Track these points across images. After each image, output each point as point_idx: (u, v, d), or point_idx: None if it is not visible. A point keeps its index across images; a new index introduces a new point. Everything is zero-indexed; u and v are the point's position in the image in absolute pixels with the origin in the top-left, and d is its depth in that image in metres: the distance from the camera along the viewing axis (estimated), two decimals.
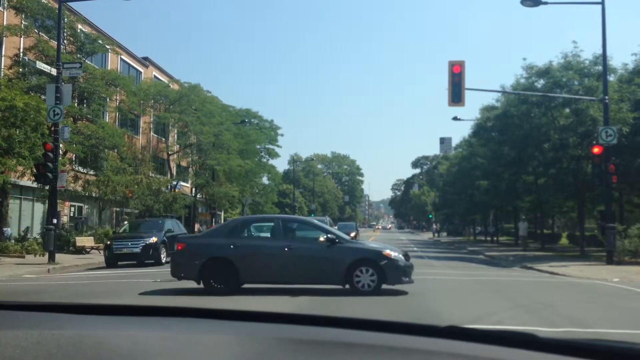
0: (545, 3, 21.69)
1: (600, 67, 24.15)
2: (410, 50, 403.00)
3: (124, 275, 17.63)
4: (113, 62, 40.03)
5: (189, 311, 1.89)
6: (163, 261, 21.78)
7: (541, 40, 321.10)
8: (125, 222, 29.62)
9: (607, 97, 22.03)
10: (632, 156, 26.97)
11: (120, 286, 14.56)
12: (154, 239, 21.87)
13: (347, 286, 12.01)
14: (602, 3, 21.72)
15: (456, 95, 21.21)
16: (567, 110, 27.53)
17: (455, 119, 40.00)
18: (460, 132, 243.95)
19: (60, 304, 1.96)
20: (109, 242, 22.22)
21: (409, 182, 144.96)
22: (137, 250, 21.46)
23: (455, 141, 72.78)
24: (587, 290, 13.95)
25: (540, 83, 27.73)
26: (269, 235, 13.28)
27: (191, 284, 13.80)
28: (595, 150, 21.89)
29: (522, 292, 13.21)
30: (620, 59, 42.91)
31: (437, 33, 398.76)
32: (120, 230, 25.54)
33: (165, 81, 47.11)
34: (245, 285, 12.53)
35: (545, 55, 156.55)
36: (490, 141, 33.91)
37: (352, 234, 37.75)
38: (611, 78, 25.75)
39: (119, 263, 21.73)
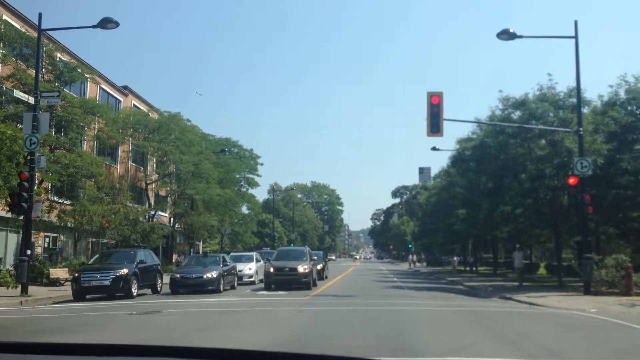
0: (521, 37, 22.16)
1: (574, 100, 24.61)
2: (389, 81, 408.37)
3: (98, 308, 17.29)
4: (92, 90, 39.88)
5: (164, 350, 1.84)
6: (134, 294, 21.14)
7: (517, 72, 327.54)
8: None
9: (581, 129, 22.41)
10: (607, 187, 27.34)
11: (95, 319, 14.25)
12: (124, 271, 20.89)
13: None
14: (576, 37, 22.25)
15: (435, 125, 21.43)
16: (543, 141, 27.92)
17: (434, 149, 40.37)
18: (439, 162, 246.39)
19: (32, 343, 1.91)
20: (76, 274, 20.99)
21: (388, 212, 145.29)
22: (107, 282, 20.42)
23: (434, 171, 73.33)
24: (565, 321, 13.99)
25: (516, 114, 28.10)
26: None
27: (170, 316, 13.54)
28: (571, 181, 22.18)
29: (501, 323, 13.19)
30: (594, 90, 43.75)
31: (416, 64, 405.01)
32: (90, 261, 24.40)
33: (145, 110, 46.99)
34: (229, 314, 12.31)
35: (520, 86, 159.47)
36: (468, 171, 34.19)
37: (319, 267, 30.97)
38: (585, 110, 26.24)
39: (88, 296, 20.81)
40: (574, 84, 23.74)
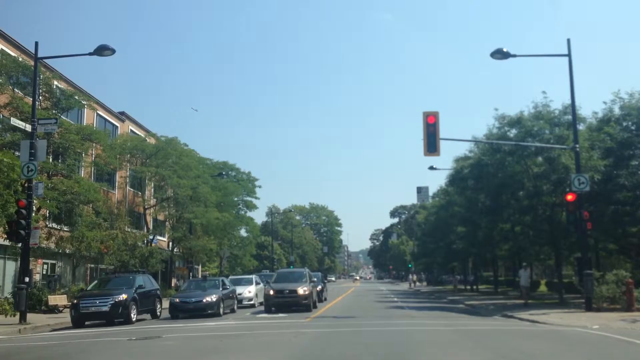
0: (514, 56, 22.35)
1: (569, 117, 24.75)
2: (386, 101, 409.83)
3: (97, 334, 17.14)
4: (89, 117, 40.01)
5: None
6: (133, 319, 21.05)
7: (512, 90, 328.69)
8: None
9: (577, 146, 22.51)
10: (605, 203, 27.34)
11: (94, 346, 14.13)
12: (123, 296, 20.81)
13: None
14: (569, 55, 22.46)
15: (431, 145, 21.50)
16: (540, 158, 27.99)
17: (431, 168, 40.49)
18: (437, 181, 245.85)
19: None
20: (75, 301, 20.99)
21: (387, 232, 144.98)
22: (106, 308, 20.38)
23: (432, 190, 73.54)
24: (568, 338, 13.90)
25: (512, 132, 28.22)
26: None
27: (169, 341, 13.42)
28: (569, 197, 22.19)
29: (503, 342, 13.11)
30: (588, 106, 44.15)
31: (412, 84, 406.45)
32: (89, 288, 24.36)
33: (142, 135, 47.12)
34: (229, 338, 12.18)
35: (516, 104, 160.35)
36: (466, 189, 34.21)
37: (318, 288, 30.17)
38: (580, 127, 26.36)
39: (87, 323, 20.76)
40: (568, 101, 23.87)
